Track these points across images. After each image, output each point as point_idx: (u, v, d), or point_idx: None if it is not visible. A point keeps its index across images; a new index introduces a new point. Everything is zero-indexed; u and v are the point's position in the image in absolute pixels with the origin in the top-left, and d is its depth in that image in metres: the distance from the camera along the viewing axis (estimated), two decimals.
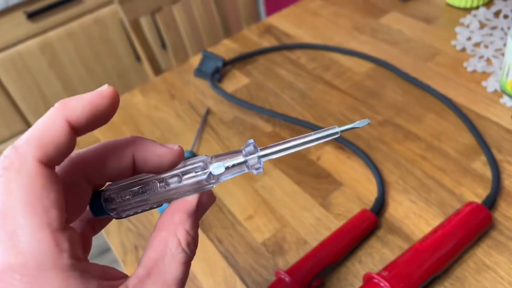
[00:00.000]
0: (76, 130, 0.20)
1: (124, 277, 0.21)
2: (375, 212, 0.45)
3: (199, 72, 0.68)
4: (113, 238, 0.51)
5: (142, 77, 1.54)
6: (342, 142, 0.53)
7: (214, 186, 0.22)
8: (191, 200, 0.22)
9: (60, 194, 0.19)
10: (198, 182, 0.22)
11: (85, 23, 1.36)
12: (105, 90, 0.21)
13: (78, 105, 0.20)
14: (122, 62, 1.49)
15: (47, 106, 1.41)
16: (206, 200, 0.23)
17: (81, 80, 1.43)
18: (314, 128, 0.56)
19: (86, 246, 0.23)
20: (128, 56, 1.49)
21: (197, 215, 0.22)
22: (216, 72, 0.66)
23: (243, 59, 0.70)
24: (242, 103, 0.61)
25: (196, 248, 0.22)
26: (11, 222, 0.18)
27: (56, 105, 0.20)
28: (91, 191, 0.23)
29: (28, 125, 1.40)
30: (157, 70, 1.13)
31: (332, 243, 0.42)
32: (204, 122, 0.61)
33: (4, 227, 0.18)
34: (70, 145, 0.20)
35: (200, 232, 0.48)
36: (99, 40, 1.41)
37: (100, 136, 0.63)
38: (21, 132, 1.39)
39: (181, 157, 0.23)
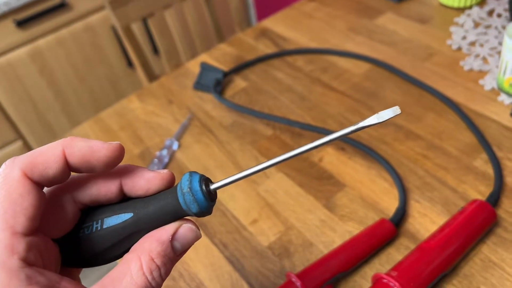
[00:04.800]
0: (70, 165, 0.22)
1: None
2: (394, 222, 0.44)
3: (199, 85, 0.67)
4: None
5: (134, 83, 1.53)
6: (362, 148, 0.53)
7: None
8: (168, 229, 0.22)
9: (35, 206, 0.21)
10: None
11: (75, 30, 1.35)
12: (112, 144, 0.23)
13: (79, 145, 0.22)
14: (114, 68, 1.48)
15: (39, 114, 1.39)
16: (185, 233, 0.23)
17: (72, 87, 1.42)
18: (314, 130, 0.56)
19: (53, 257, 0.23)
20: (119, 62, 1.48)
21: (174, 246, 0.22)
22: (217, 85, 0.66)
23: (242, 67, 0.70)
24: (248, 111, 0.60)
25: (162, 279, 0.22)
26: None
27: (66, 138, 0.22)
28: (78, 210, 0.24)
29: (19, 134, 1.38)
30: (151, 75, 1.12)
31: (347, 251, 0.42)
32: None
33: None
34: (60, 172, 0.22)
35: (204, 237, 0.48)
36: (90, 47, 1.40)
37: None
38: (12, 141, 1.37)
39: (171, 181, 0.24)
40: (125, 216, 0.23)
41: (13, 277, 0.19)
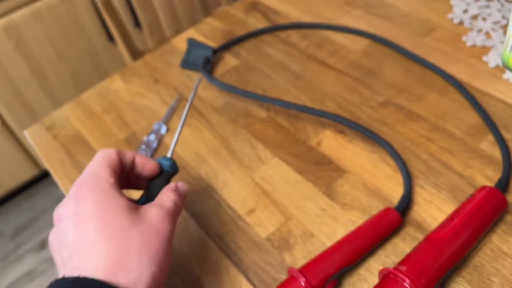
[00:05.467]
0: (134, 164, 0.39)
1: None
2: (400, 211, 0.42)
3: (187, 63, 0.63)
4: None
5: (116, 58, 1.47)
6: (362, 131, 0.50)
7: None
8: (171, 184, 0.38)
9: (120, 165, 0.37)
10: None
11: (51, 3, 1.28)
12: (155, 162, 0.40)
13: (141, 157, 0.39)
14: (94, 43, 1.41)
15: (16, 93, 1.33)
16: (181, 185, 0.38)
17: (51, 64, 1.35)
18: (312, 112, 0.52)
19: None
20: (99, 36, 1.41)
21: (179, 190, 0.38)
22: (206, 63, 0.61)
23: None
24: (241, 92, 0.56)
25: (181, 201, 0.37)
26: (96, 161, 0.36)
27: (135, 153, 0.39)
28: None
29: None
30: (133, 51, 1.07)
31: (352, 243, 0.39)
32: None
33: (90, 164, 0.36)
34: (130, 162, 0.38)
35: (198, 229, 0.45)
36: (68, 20, 1.33)
37: (81, 127, 0.58)
38: None
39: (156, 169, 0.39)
40: (142, 199, 0.38)
41: (112, 186, 0.34)
